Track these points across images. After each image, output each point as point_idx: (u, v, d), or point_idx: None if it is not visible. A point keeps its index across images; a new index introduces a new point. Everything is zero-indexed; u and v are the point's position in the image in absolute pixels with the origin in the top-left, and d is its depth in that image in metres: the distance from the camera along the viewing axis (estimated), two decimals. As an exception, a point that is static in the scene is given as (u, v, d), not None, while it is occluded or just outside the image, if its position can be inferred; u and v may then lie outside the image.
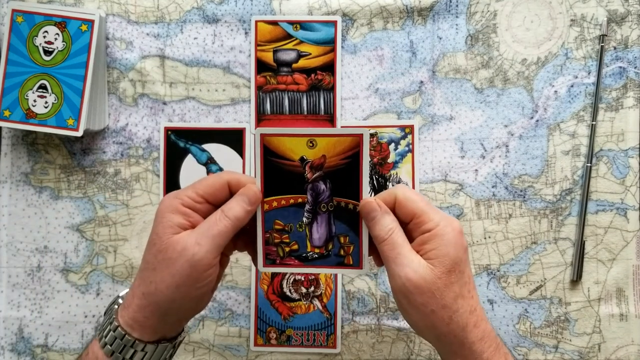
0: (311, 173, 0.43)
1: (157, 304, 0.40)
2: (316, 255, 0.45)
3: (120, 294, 0.45)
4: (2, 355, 0.58)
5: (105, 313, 0.45)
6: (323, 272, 0.45)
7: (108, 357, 0.41)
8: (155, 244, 0.40)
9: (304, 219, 0.44)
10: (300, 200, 0.43)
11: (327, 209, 0.43)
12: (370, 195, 0.42)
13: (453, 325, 0.39)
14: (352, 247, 0.44)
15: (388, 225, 0.41)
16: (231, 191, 0.43)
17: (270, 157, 0.43)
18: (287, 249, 0.44)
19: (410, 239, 0.41)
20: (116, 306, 0.43)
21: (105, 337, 0.41)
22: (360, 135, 0.41)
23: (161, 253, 0.40)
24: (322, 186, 0.43)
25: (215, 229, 0.40)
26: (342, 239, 0.44)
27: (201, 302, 0.43)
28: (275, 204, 0.43)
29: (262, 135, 0.42)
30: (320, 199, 0.43)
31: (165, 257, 0.40)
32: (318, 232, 0.44)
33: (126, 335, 0.41)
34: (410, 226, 0.41)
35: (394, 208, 0.42)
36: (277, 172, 0.43)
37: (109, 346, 0.41)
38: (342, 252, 0.44)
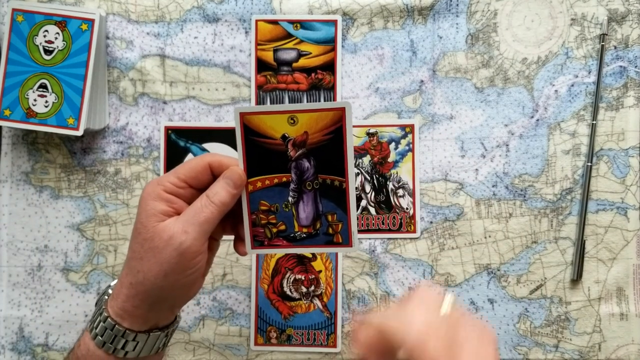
0: (294, 151, 0.42)
1: (146, 293, 0.40)
2: (304, 235, 0.44)
3: (111, 284, 0.44)
4: (3, 355, 0.58)
5: (96, 304, 0.45)
6: (312, 251, 0.44)
7: (99, 348, 0.41)
8: (141, 232, 0.40)
9: (290, 199, 0.43)
10: (284, 179, 0.42)
11: (313, 187, 0.42)
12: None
13: None
14: (340, 225, 0.43)
15: None
16: (213, 173, 0.42)
17: (252, 137, 0.41)
18: (274, 230, 0.43)
19: None
20: (106, 297, 0.43)
21: (96, 328, 0.41)
22: (343, 109, 0.40)
23: (147, 242, 0.39)
24: (306, 164, 0.42)
25: (201, 216, 0.40)
26: (329, 217, 0.43)
27: (191, 289, 0.43)
28: (259, 184, 0.42)
29: (242, 114, 0.41)
30: (305, 177, 0.42)
31: (151, 246, 0.39)
32: (305, 211, 0.43)
33: (116, 326, 0.40)
34: None
35: None
36: (260, 151, 0.42)
37: (99, 337, 0.40)
38: (330, 231, 0.43)
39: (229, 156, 0.43)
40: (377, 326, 0.37)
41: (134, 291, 0.40)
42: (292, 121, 0.41)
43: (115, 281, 0.43)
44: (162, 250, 0.39)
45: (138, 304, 0.40)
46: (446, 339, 0.35)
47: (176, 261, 0.39)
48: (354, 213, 0.42)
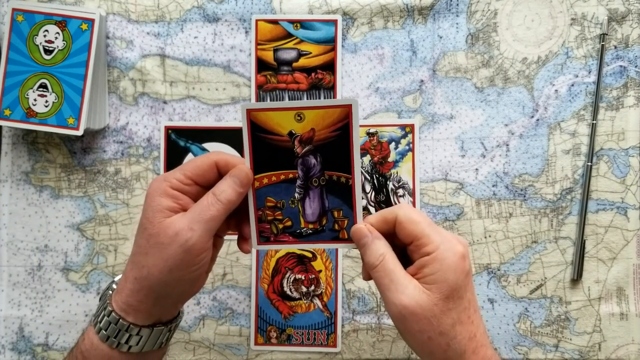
0: (301, 147, 0.42)
1: (150, 288, 0.40)
2: (310, 231, 0.44)
3: (115, 279, 0.44)
4: (3, 354, 0.58)
5: (100, 299, 0.45)
6: (318, 247, 0.44)
7: (103, 342, 0.41)
8: (147, 228, 0.40)
9: (296, 195, 0.43)
10: (291, 175, 0.43)
11: (319, 184, 0.43)
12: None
13: (450, 352, 0.38)
14: (346, 221, 0.43)
15: (378, 251, 0.40)
16: (219, 172, 0.42)
17: (258, 133, 0.42)
18: (280, 226, 0.44)
19: (411, 261, 0.40)
20: (110, 291, 0.43)
21: (100, 322, 0.41)
22: (349, 105, 0.40)
23: (153, 237, 0.40)
24: (313, 160, 0.42)
25: (208, 214, 0.40)
26: (335, 213, 0.43)
27: (195, 285, 0.43)
28: (265, 180, 0.43)
29: (248, 111, 0.41)
30: (312, 173, 0.42)
31: (157, 242, 0.39)
32: (311, 208, 0.43)
33: (120, 320, 0.41)
34: (411, 248, 0.40)
35: (395, 228, 0.41)
36: (266, 148, 0.42)
37: (103, 331, 0.41)
38: (336, 227, 0.43)
39: (236, 155, 0.43)
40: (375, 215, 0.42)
41: (138, 286, 0.40)
42: (299, 118, 0.41)
43: (120, 276, 0.43)
44: (167, 246, 0.39)
45: (142, 299, 0.41)
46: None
47: (181, 257, 0.39)
48: (359, 209, 0.43)
